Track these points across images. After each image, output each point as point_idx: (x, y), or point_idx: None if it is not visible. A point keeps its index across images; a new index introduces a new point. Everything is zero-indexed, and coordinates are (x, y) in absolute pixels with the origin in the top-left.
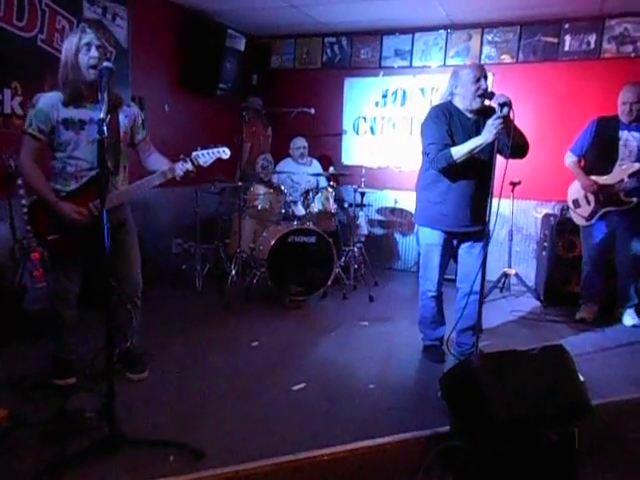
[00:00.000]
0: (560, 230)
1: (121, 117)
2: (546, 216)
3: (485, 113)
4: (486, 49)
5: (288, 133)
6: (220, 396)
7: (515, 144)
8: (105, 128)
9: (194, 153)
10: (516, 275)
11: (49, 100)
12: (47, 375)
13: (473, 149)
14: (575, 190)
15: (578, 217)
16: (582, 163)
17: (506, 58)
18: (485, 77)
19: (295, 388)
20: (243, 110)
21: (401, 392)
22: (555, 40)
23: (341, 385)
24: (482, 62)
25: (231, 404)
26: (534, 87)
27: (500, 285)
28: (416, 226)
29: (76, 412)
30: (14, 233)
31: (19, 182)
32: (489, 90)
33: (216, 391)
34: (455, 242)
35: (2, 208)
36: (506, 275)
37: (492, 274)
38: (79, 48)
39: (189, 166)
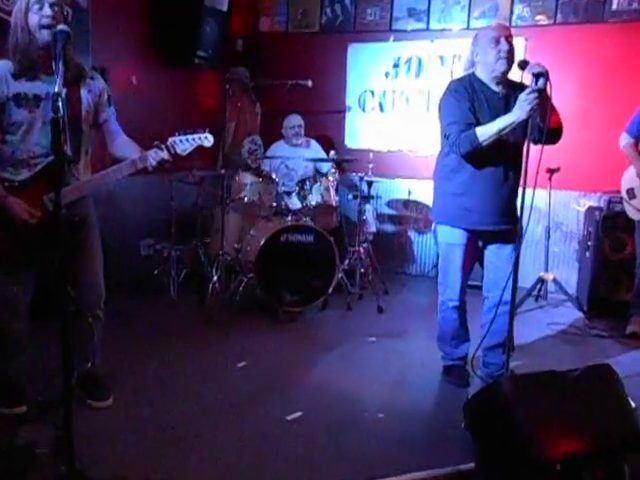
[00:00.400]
0: (607, 226)
1: (83, 92)
2: (590, 210)
3: (516, 87)
4: (517, 8)
5: (280, 110)
6: (200, 428)
7: (550, 125)
8: (61, 104)
9: (171, 139)
10: (554, 281)
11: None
12: None
13: (502, 129)
14: (630, 178)
15: (633, 210)
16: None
17: (542, 19)
18: (508, 37)
19: (290, 418)
20: (226, 82)
21: (416, 422)
22: None
23: (344, 414)
24: (513, 24)
25: (214, 437)
26: (575, 54)
27: (535, 293)
28: (434, 224)
29: (27, 447)
30: None
31: None
32: (514, 52)
33: (194, 422)
34: (481, 242)
35: None
36: (542, 281)
37: (526, 280)
38: (29, 6)
39: (164, 154)
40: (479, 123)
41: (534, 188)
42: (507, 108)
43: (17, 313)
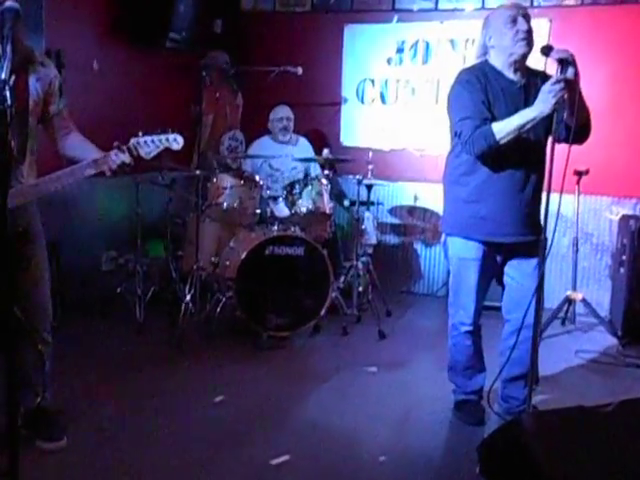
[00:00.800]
0: None
1: (31, 80)
2: (624, 219)
3: (537, 76)
4: None
5: (266, 102)
6: (171, 473)
7: (577, 122)
8: (8, 93)
9: (133, 140)
10: (583, 301)
11: None
12: None
13: (523, 125)
14: None
15: None
16: None
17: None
18: (525, 16)
19: (275, 462)
20: (203, 69)
21: (422, 467)
22: None
23: (339, 458)
24: (536, 3)
25: None
26: (606, 39)
27: (562, 315)
28: (444, 235)
29: None
30: None
31: None
32: (532, 33)
33: (161, 469)
34: (499, 257)
35: None
36: (570, 301)
37: (551, 300)
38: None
39: (125, 157)
40: (494, 118)
41: (560, 193)
42: (527, 100)
43: None
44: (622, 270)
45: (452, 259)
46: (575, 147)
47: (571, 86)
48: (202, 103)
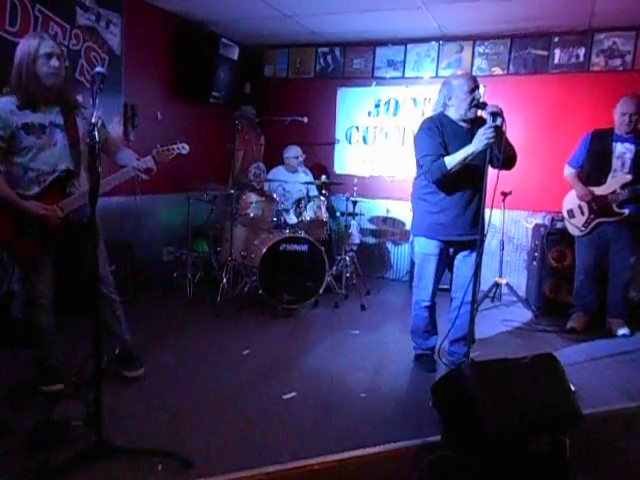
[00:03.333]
0: (551, 240)
1: (78, 119)
2: (536, 226)
3: (478, 123)
4: (477, 61)
5: (281, 142)
6: (209, 405)
7: (505, 155)
8: (96, 133)
9: (154, 150)
10: (507, 285)
11: (4, 105)
12: (34, 383)
13: (465, 158)
14: (570, 200)
15: (573, 227)
16: (580, 174)
17: (497, 70)
18: (478, 87)
19: (285, 397)
20: (236, 118)
21: (392, 401)
22: (545, 53)
23: (332, 394)
24: (474, 73)
25: (220, 413)
26: (524, 99)
27: (492, 295)
28: (411, 236)
29: (62, 420)
30: None
31: None
32: (482, 100)
33: (205, 400)
34: (451, 251)
35: None
36: (497, 285)
37: (484, 284)
38: (38, 56)
39: (150, 162)
40: (449, 154)
41: (491, 208)
42: (472, 140)
43: (42, 306)
44: (534, 263)
45: (417, 254)
46: (502, 175)
47: (499, 130)
48: (235, 142)
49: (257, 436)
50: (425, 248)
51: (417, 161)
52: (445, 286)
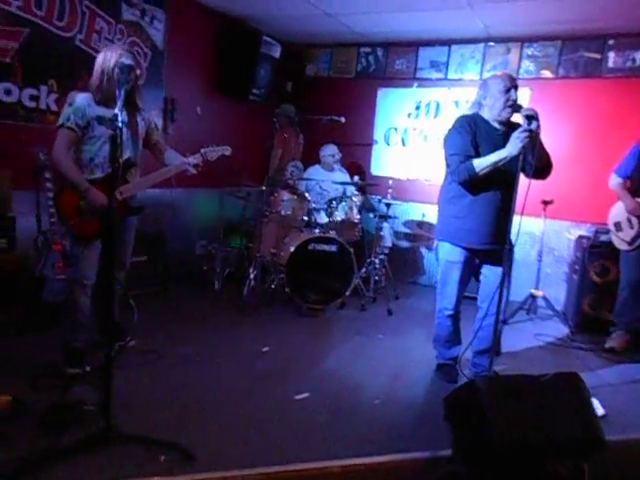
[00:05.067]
0: (593, 253)
1: (139, 119)
2: (579, 238)
3: (513, 127)
4: (525, 63)
5: (320, 140)
6: (221, 399)
7: (539, 163)
8: (120, 123)
9: (202, 149)
10: (544, 298)
11: (85, 99)
12: (57, 365)
13: (497, 162)
14: (618, 213)
15: (620, 241)
16: (627, 184)
17: (546, 73)
18: (515, 88)
19: (298, 397)
20: (275, 116)
21: (407, 410)
22: (598, 56)
23: (345, 398)
24: (520, 76)
25: (230, 408)
26: (574, 104)
27: (526, 307)
28: (435, 241)
29: (76, 404)
30: (39, 225)
31: (47, 175)
32: (518, 102)
33: (218, 394)
34: (477, 260)
35: (29, 200)
36: (533, 297)
37: (518, 295)
38: (117, 66)
39: (199, 159)
40: (479, 155)
41: (521, 215)
42: (505, 144)
43: (85, 289)
44: (575, 276)
45: (441, 261)
46: (544, 182)
47: (533, 135)
48: (274, 140)
49: (262, 434)
50: (449, 255)
51: (445, 160)
52: (473, 294)
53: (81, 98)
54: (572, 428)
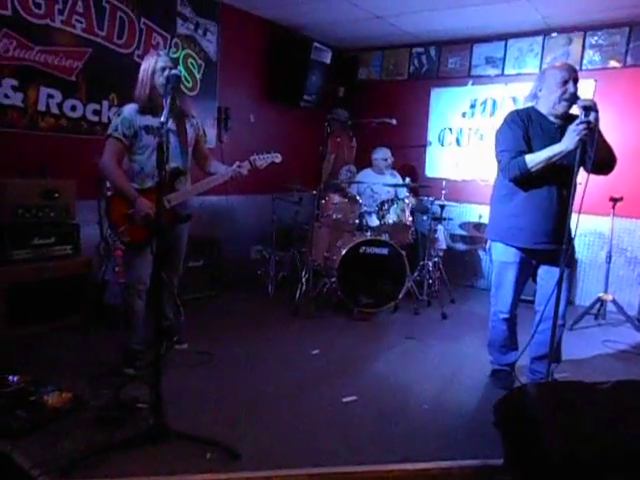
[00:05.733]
0: None
1: (187, 126)
2: None
3: (572, 120)
4: (588, 53)
5: (372, 144)
6: (270, 400)
7: (599, 157)
8: (165, 131)
9: (252, 157)
10: (614, 302)
11: (131, 110)
12: (115, 364)
13: (551, 157)
14: None
15: None
16: None
17: (613, 63)
18: (575, 80)
19: (346, 400)
20: (327, 121)
21: (457, 416)
22: None
23: (394, 402)
24: (583, 68)
25: (278, 409)
26: None
27: (594, 312)
28: (489, 241)
29: (130, 401)
30: (101, 232)
31: (108, 184)
32: (577, 94)
33: (267, 395)
34: (534, 261)
35: (92, 208)
36: (601, 301)
37: (585, 299)
38: (155, 70)
39: (247, 167)
40: (532, 151)
41: (579, 213)
42: (562, 138)
43: (140, 294)
44: None
45: (495, 262)
46: (612, 178)
47: (592, 127)
48: (327, 146)
49: (308, 436)
50: (503, 255)
51: (495, 157)
52: (531, 297)
53: (128, 109)
54: (635, 441)
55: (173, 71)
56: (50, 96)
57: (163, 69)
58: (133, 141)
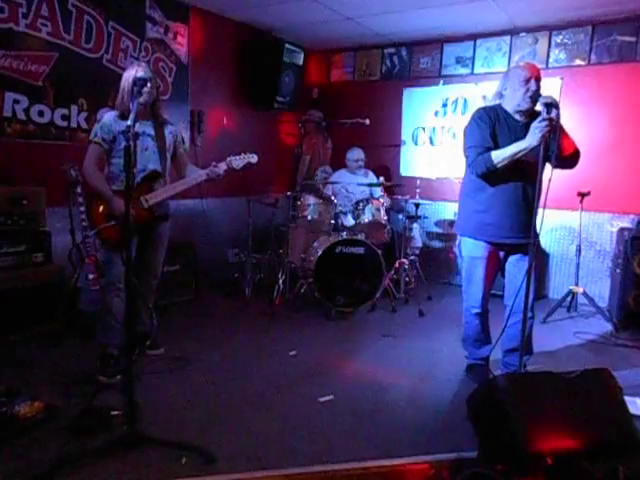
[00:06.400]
0: (636, 245)
1: (166, 132)
2: (621, 230)
3: (536, 117)
4: (554, 52)
5: (348, 145)
6: (246, 402)
7: (562, 152)
8: (131, 136)
9: (228, 158)
10: (585, 294)
11: (111, 116)
12: (90, 372)
13: (516, 153)
14: None
15: None
16: None
17: (577, 61)
18: (537, 78)
19: (322, 400)
20: (301, 123)
21: (433, 411)
22: (633, 39)
23: (370, 400)
24: (550, 66)
25: (255, 411)
26: (609, 91)
27: (566, 304)
28: (458, 237)
29: (104, 409)
30: (73, 238)
31: (78, 190)
32: (539, 92)
33: (243, 397)
34: (502, 255)
35: (63, 215)
36: (573, 294)
37: (558, 292)
38: (133, 81)
39: (224, 167)
40: (498, 147)
41: (544, 207)
42: (526, 135)
43: (119, 290)
44: (618, 270)
45: (465, 258)
46: (579, 174)
47: (553, 123)
48: (302, 147)
49: (284, 437)
50: (472, 250)
51: (464, 153)
52: (499, 292)
53: (108, 115)
54: (602, 428)
55: (139, 74)
56: (16, 101)
57: (144, 81)
58: (112, 145)
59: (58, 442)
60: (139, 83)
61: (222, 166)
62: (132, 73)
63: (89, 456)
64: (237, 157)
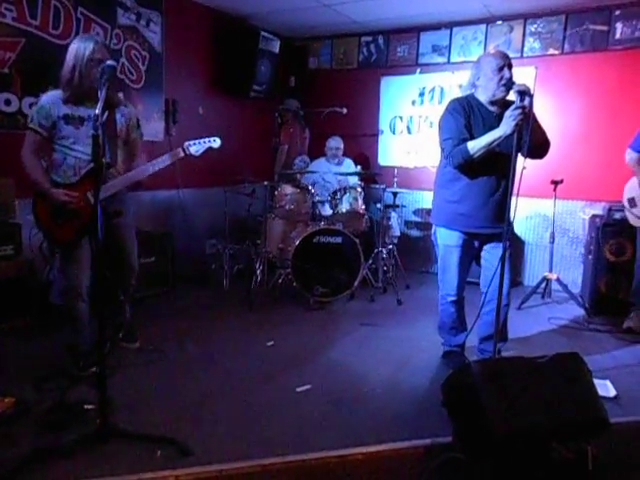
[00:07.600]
0: (607, 232)
1: (117, 116)
2: (593, 217)
3: (509, 106)
4: (529, 41)
5: (326, 134)
6: (222, 394)
7: (534, 141)
8: (100, 125)
9: (185, 143)
10: (558, 280)
11: (50, 98)
12: (62, 366)
13: (491, 142)
14: (632, 188)
15: (634, 218)
16: None
17: (551, 50)
18: (509, 66)
19: (299, 389)
20: (278, 112)
21: (410, 398)
22: (605, 28)
23: (347, 388)
24: (524, 55)
25: (231, 402)
26: (582, 79)
27: (541, 291)
28: (433, 226)
29: (77, 403)
30: None
31: None
32: (512, 80)
33: (219, 389)
34: (477, 243)
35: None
36: (547, 280)
37: (532, 279)
38: (92, 59)
39: (180, 154)
40: (473, 138)
41: (517, 196)
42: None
43: (80, 295)
44: (590, 257)
45: (440, 246)
46: (553, 162)
47: (526, 112)
48: (280, 136)
49: (261, 428)
50: (446, 239)
51: (440, 145)
52: (475, 280)
53: (47, 97)
54: (572, 409)
55: (109, 62)
56: None
57: (100, 61)
58: (52, 132)
59: (30, 437)
60: (108, 71)
61: (178, 153)
62: (87, 49)
63: (62, 451)
64: (194, 142)
